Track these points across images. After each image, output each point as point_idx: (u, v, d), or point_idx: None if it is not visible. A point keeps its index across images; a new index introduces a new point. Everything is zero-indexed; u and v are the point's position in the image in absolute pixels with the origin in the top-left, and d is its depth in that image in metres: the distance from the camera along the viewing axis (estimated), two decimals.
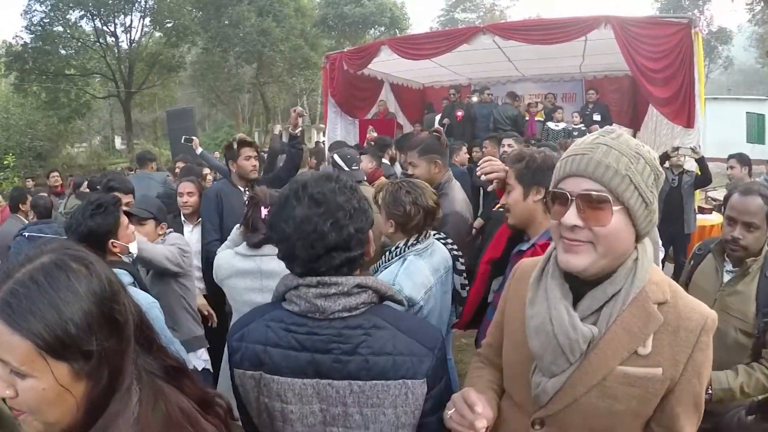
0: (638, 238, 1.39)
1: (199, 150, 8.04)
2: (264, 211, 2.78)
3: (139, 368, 1.15)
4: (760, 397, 2.27)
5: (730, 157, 6.57)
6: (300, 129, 5.10)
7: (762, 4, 31.25)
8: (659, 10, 40.64)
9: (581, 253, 1.35)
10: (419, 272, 2.66)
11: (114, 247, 2.83)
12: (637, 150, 1.35)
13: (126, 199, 3.84)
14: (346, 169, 4.51)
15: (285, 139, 5.86)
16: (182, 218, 4.77)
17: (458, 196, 3.75)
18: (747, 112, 27.28)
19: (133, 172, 9.23)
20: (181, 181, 4.99)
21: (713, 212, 9.37)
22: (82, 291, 1.05)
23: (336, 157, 4.71)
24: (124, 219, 2.85)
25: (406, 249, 2.73)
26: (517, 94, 12.01)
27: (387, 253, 2.80)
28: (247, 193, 4.45)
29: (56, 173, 10.28)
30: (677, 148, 7.41)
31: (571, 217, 1.34)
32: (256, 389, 1.60)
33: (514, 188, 2.56)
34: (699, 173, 7.43)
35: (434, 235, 2.99)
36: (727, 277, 2.77)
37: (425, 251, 2.78)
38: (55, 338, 1.00)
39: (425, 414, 1.56)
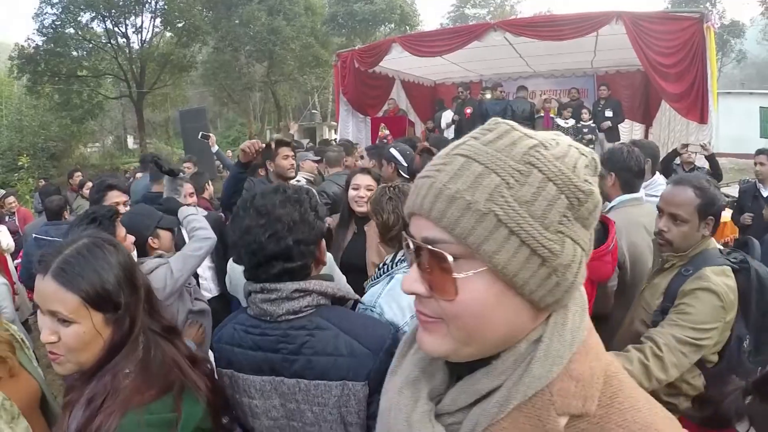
0: (544, 309, 0.82)
1: (215, 148, 8.07)
2: None
3: (144, 324, 1.53)
4: (757, 376, 2.27)
5: (759, 152, 6.36)
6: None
7: None
8: (671, 5, 40.22)
9: (434, 333, 0.84)
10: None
11: None
12: (530, 158, 0.78)
13: (122, 198, 3.89)
14: (405, 164, 4.64)
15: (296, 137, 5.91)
16: None
17: None
18: (761, 107, 26.86)
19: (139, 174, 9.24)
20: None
21: (726, 208, 9.23)
22: (113, 262, 1.49)
23: (393, 151, 4.86)
24: (121, 230, 2.86)
25: (393, 266, 2.32)
26: (526, 88, 12.01)
27: (377, 270, 2.43)
28: None
29: (79, 173, 10.31)
30: (687, 145, 7.31)
31: (410, 280, 0.83)
32: (230, 386, 1.73)
33: None
34: (709, 170, 7.35)
35: None
36: None
37: None
38: (96, 294, 1.42)
39: (370, 416, 1.56)
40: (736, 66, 46.13)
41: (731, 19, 42.43)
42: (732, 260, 2.41)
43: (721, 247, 2.61)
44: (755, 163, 6.25)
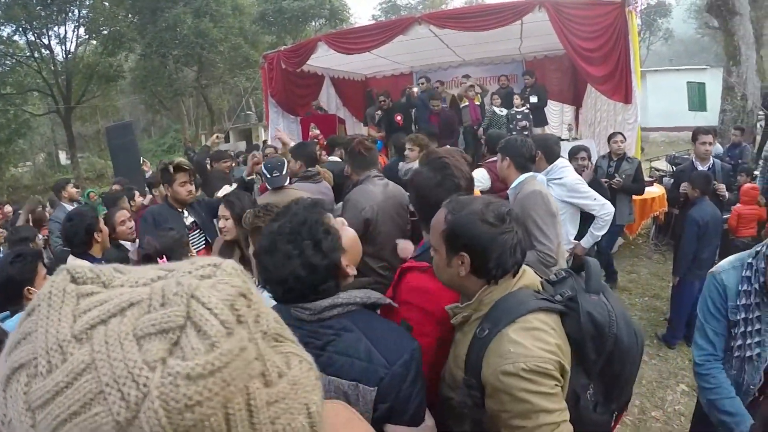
0: None
1: (149, 174, 7.83)
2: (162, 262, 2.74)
3: None
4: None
5: (704, 132, 6.31)
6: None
7: None
8: None
9: None
10: None
11: (30, 294, 2.97)
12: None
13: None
14: (268, 176, 4.52)
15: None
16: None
17: (365, 204, 3.81)
18: (688, 82, 27.93)
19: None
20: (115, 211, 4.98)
21: (654, 184, 9.39)
22: None
23: (262, 167, 4.78)
24: (42, 269, 3.05)
25: None
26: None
27: None
28: (186, 214, 4.55)
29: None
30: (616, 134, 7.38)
31: None
32: None
33: None
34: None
35: None
36: None
37: None
38: None
39: (374, 421, 1.60)
40: (664, 44, 47.72)
41: (657, 0, 43.76)
42: (554, 301, 1.80)
43: (548, 280, 1.97)
44: (701, 143, 6.25)
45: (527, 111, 10.78)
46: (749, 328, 2.41)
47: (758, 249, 2.42)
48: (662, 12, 43.90)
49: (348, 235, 1.93)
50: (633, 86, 8.45)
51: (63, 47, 30.06)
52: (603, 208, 4.78)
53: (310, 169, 5.15)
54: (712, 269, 2.61)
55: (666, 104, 23.88)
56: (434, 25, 9.49)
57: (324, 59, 11.80)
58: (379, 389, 1.60)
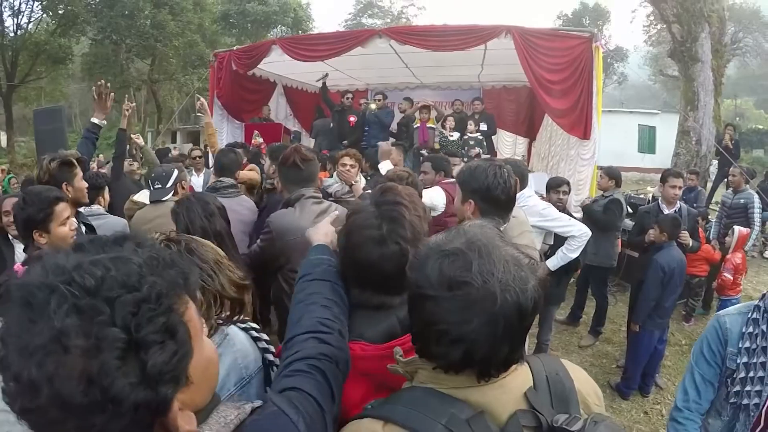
0: None
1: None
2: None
3: None
4: None
5: (674, 175, 6.11)
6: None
7: (658, 26, 32.96)
8: (560, 27, 42.43)
9: None
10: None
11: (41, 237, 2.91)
12: None
13: None
14: (151, 187, 4.21)
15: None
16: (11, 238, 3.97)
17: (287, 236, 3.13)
18: (639, 124, 29.15)
19: None
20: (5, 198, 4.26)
21: None
22: None
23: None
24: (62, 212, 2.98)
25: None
26: (412, 100, 11.73)
27: None
28: None
29: None
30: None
31: None
32: None
33: None
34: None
35: None
36: None
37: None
38: None
39: None
40: (618, 87, 49.36)
41: (616, 45, 45.42)
42: None
43: None
44: (670, 186, 5.97)
45: (480, 138, 10.48)
46: (751, 374, 2.24)
47: (765, 293, 2.33)
48: (619, 57, 45.32)
49: (206, 354, 0.97)
50: (593, 122, 8.27)
51: (14, 20, 28.36)
52: (579, 230, 4.48)
53: (222, 179, 4.44)
54: (719, 312, 2.49)
55: (616, 144, 24.37)
56: (395, 40, 9.08)
57: (278, 65, 11.35)
58: None
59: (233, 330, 1.71)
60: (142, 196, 4.52)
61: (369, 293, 1.61)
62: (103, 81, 4.70)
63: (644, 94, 52.64)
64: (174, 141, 32.36)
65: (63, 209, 2.97)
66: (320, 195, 3.38)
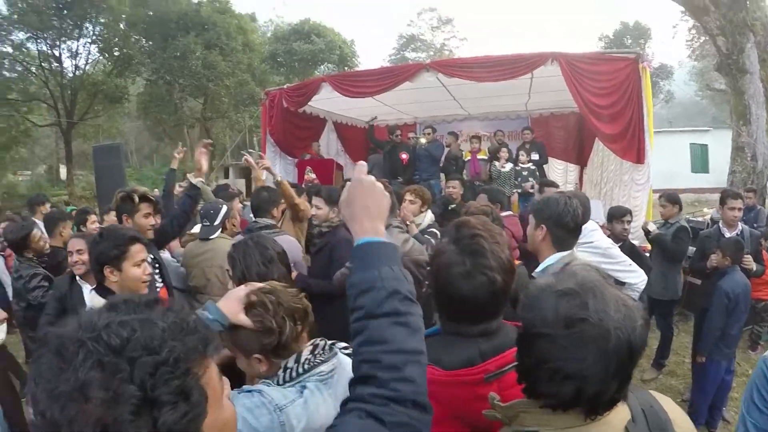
0: None
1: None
2: None
3: None
4: None
5: (733, 196, 5.97)
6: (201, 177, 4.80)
7: (701, 39, 32.23)
8: (603, 49, 41.95)
9: None
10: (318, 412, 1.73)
11: (112, 275, 2.99)
12: None
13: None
14: (201, 225, 4.36)
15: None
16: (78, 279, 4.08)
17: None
18: (690, 143, 28.20)
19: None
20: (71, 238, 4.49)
21: None
22: None
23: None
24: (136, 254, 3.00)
25: (302, 370, 1.78)
26: (457, 134, 11.89)
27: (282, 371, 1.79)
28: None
29: None
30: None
31: None
32: None
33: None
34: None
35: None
36: None
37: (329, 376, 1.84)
38: None
39: None
40: (664, 106, 48.20)
41: (660, 63, 44.57)
42: None
43: None
44: (729, 208, 5.86)
45: (533, 168, 10.44)
46: None
47: None
48: (664, 74, 44.50)
49: (224, 416, 1.01)
50: (646, 145, 8.13)
51: (73, 62, 30.40)
52: (638, 277, 4.08)
53: (257, 220, 4.50)
54: (765, 353, 2.26)
55: (668, 165, 23.76)
56: (442, 74, 9.13)
57: (327, 102, 11.48)
58: None
59: (341, 356, 1.88)
60: (197, 229, 4.75)
61: (466, 324, 1.67)
62: (209, 141, 4.93)
63: (692, 111, 51.36)
64: (226, 176, 33.12)
65: (138, 250, 2.98)
66: (404, 225, 3.59)
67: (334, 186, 6.30)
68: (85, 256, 3.88)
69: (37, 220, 7.26)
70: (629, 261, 4.09)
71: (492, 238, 1.69)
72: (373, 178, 1.41)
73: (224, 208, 4.47)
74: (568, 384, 1.18)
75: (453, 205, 6.87)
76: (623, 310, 1.19)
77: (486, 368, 1.56)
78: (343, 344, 1.93)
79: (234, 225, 4.86)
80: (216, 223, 4.39)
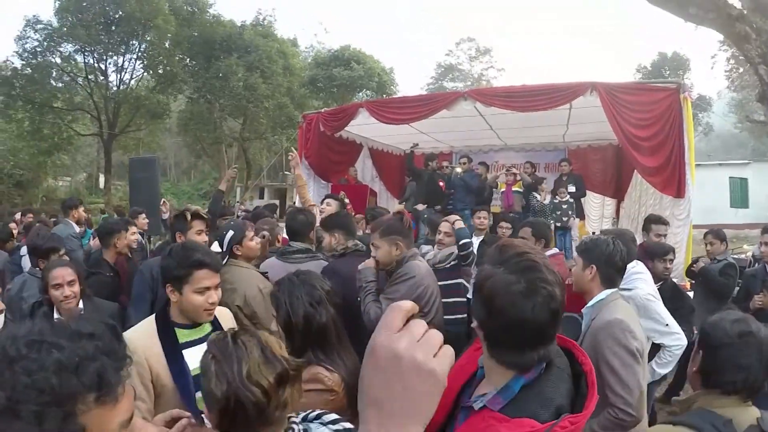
0: None
1: (166, 215, 7.58)
2: None
3: None
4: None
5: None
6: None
7: (740, 70, 31.66)
8: (642, 80, 41.54)
9: None
10: None
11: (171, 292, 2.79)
12: None
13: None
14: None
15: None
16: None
17: (421, 272, 3.73)
18: (730, 177, 27.52)
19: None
20: (54, 267, 3.85)
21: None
22: None
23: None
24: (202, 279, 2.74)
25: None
26: (488, 165, 11.96)
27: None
28: None
29: (31, 215, 10.12)
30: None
31: None
32: None
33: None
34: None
35: None
36: None
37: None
38: None
39: None
40: (703, 138, 47.48)
41: (698, 94, 43.95)
42: None
43: None
44: (763, 243, 5.70)
45: (572, 201, 10.30)
46: None
47: None
48: (703, 106, 43.89)
49: None
50: (687, 179, 7.91)
51: (118, 76, 31.77)
52: (676, 340, 3.81)
53: (292, 243, 4.32)
54: None
55: (707, 200, 23.15)
56: (480, 102, 9.05)
57: (364, 128, 11.50)
58: None
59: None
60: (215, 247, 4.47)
61: (529, 352, 1.42)
62: (236, 167, 5.02)
63: (731, 143, 50.60)
64: (261, 197, 33.65)
65: (203, 277, 2.65)
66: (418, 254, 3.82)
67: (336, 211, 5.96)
68: (77, 288, 3.73)
69: (71, 221, 7.36)
70: (668, 320, 3.82)
71: (536, 252, 1.54)
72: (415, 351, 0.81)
73: (230, 233, 3.95)
74: (741, 374, 1.95)
75: (481, 237, 6.76)
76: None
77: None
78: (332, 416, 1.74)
79: (239, 250, 4.01)
80: (224, 249, 3.95)
